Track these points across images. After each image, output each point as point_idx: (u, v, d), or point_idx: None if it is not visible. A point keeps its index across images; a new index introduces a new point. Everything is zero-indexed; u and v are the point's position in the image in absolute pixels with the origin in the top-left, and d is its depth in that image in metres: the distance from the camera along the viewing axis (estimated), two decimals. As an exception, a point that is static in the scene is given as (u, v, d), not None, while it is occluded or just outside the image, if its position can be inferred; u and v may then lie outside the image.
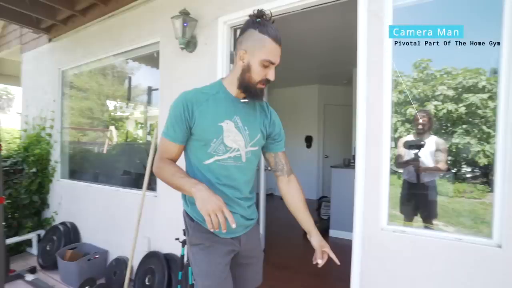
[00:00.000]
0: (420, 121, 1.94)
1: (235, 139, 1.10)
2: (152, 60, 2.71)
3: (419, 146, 1.91)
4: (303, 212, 1.22)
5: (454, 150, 1.85)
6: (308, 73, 5.16)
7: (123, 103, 3.61)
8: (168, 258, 2.31)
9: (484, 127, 1.61)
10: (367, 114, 1.62)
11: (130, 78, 3.61)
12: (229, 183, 1.12)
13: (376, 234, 1.57)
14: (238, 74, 1.09)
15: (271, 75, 1.07)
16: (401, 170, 1.96)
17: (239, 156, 1.12)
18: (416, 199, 1.96)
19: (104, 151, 3.62)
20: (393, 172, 1.70)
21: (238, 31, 1.97)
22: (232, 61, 2.11)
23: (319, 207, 4.57)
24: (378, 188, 1.58)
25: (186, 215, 1.18)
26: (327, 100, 5.82)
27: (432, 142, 2.03)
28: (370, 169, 1.60)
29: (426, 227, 1.67)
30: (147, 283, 2.30)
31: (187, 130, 1.08)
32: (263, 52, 1.03)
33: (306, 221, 1.21)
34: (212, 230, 0.92)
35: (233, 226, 0.91)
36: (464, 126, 1.77)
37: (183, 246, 1.98)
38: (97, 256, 2.75)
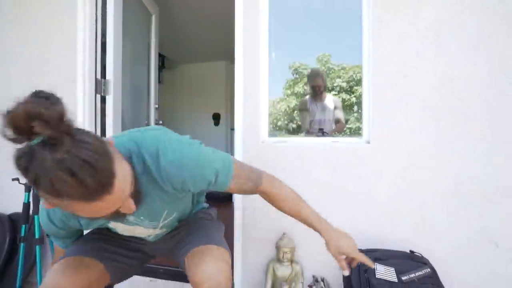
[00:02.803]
0: (317, 84, 2.02)
1: (134, 232, 0.91)
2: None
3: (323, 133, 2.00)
4: (299, 217, 0.95)
5: (348, 134, 2.12)
6: (215, 48, 5.13)
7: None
8: (15, 219, 1.82)
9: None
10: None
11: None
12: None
13: (257, 147, 1.53)
14: None
15: None
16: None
17: (150, 236, 0.95)
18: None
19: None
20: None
21: None
22: None
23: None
24: (257, 103, 1.57)
25: None
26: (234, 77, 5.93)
27: (330, 100, 2.19)
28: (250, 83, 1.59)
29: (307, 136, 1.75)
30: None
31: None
32: None
33: (309, 224, 0.95)
34: None
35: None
36: (355, 114, 2.02)
37: (27, 191, 1.56)
38: None
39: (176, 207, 0.88)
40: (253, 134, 1.55)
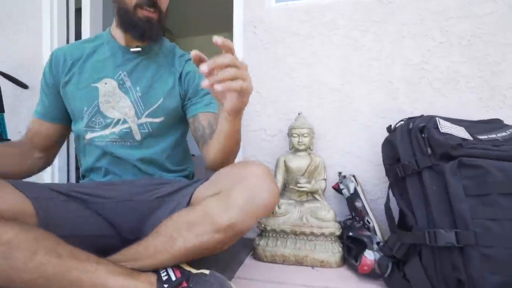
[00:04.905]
0: None
1: (118, 105, 0.79)
2: None
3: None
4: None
5: None
6: (217, 18, 4.83)
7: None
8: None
9: None
10: None
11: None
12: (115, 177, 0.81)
13: (261, 13, 1.18)
14: (115, 8, 0.79)
15: None
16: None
17: (128, 132, 0.80)
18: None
19: None
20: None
21: None
22: None
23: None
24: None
25: None
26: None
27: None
28: None
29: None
30: None
31: (59, 100, 0.83)
32: None
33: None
34: None
35: None
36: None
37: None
38: None
39: (167, 102, 0.83)
40: (255, 3, 1.20)
